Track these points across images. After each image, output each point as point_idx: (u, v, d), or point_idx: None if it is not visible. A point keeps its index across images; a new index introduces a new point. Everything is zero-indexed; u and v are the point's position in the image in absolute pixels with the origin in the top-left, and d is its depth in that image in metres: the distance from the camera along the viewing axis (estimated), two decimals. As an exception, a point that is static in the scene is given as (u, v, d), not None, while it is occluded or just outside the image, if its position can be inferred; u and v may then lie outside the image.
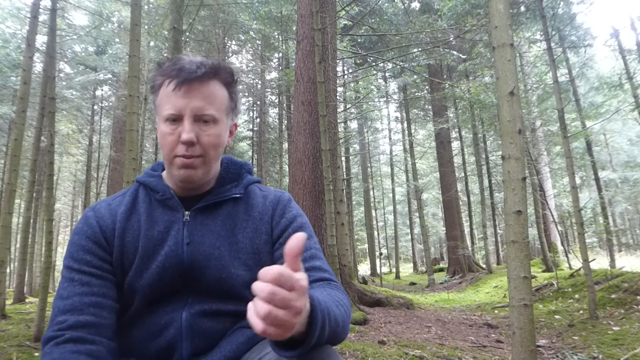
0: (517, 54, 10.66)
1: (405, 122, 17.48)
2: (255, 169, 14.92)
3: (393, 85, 17.94)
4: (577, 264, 8.62)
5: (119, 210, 0.98)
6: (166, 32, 10.10)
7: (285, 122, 16.15)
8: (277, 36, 14.41)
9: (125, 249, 0.94)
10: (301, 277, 0.60)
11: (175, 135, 0.91)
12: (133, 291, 0.92)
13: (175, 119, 0.91)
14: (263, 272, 0.58)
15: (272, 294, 0.57)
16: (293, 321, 0.59)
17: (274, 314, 0.57)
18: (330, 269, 0.98)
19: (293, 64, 9.93)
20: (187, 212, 0.97)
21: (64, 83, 14.41)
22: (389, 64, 12.97)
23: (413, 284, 14.18)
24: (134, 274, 0.92)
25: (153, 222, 0.96)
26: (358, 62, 14.64)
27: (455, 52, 11.75)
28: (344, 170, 14.47)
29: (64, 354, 0.79)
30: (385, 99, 17.60)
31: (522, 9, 9.81)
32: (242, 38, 15.24)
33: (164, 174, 1.05)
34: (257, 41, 15.45)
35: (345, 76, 15.56)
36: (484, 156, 14.12)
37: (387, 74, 16.49)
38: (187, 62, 0.92)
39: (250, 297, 0.94)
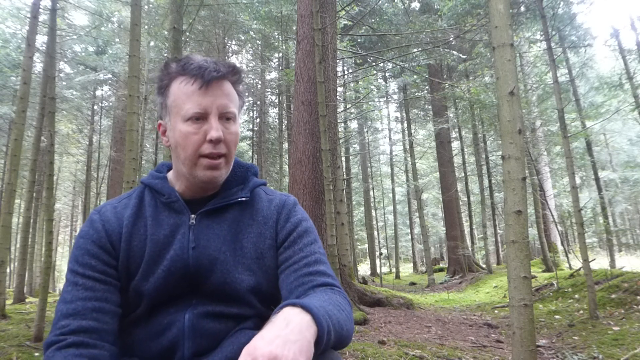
0: (517, 54, 10.65)
1: (405, 122, 17.47)
2: (255, 169, 14.86)
3: (393, 85, 17.94)
4: (577, 264, 8.63)
5: (125, 213, 0.97)
6: (166, 32, 10.11)
7: (285, 122, 16.14)
8: (277, 36, 14.40)
9: (132, 253, 0.93)
10: None
11: (201, 134, 0.91)
12: (139, 295, 0.92)
13: (199, 118, 0.91)
14: None
15: None
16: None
17: None
18: (333, 274, 0.98)
19: (293, 64, 9.93)
20: (192, 216, 0.97)
21: (64, 83, 14.42)
22: (389, 64, 12.97)
23: (413, 284, 14.18)
24: (140, 278, 0.92)
25: (159, 225, 0.96)
26: (358, 62, 14.63)
27: (455, 52, 11.74)
28: (344, 170, 14.46)
29: (66, 358, 0.79)
30: (385, 99, 17.62)
31: (522, 9, 9.81)
32: (242, 38, 15.24)
33: (169, 175, 1.04)
34: (257, 41, 15.44)
35: (345, 76, 15.55)
36: (484, 156, 14.11)
37: (387, 74, 16.49)
38: (202, 61, 0.92)
39: (254, 300, 0.95)
